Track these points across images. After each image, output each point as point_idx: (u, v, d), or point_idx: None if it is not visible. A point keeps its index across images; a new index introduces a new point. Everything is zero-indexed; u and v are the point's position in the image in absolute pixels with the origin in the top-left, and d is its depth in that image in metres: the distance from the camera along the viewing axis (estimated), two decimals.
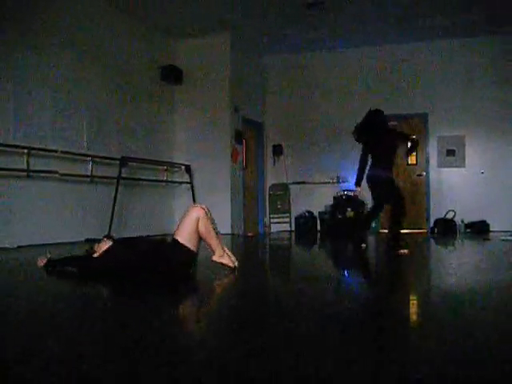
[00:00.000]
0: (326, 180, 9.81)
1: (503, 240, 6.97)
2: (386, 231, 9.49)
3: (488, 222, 8.89)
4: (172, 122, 9.11)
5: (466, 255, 5.09)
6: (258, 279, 3.66)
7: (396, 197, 5.52)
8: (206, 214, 3.72)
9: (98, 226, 7.05)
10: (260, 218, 10.14)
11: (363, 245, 5.67)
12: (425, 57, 9.37)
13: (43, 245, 6.23)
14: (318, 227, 9.57)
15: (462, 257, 5.60)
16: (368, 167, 5.68)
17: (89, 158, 7.06)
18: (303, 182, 10.00)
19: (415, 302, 3.01)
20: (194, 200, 8.67)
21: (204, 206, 3.79)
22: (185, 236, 3.63)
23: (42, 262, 3.86)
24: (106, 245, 3.72)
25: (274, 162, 10.24)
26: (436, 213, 9.04)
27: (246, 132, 9.63)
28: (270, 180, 10.22)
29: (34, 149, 6.19)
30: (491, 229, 8.81)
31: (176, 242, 3.64)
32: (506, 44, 8.91)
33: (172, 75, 8.74)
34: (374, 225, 9.66)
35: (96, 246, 3.76)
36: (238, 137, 9.12)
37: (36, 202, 6.32)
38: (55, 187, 6.59)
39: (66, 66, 6.82)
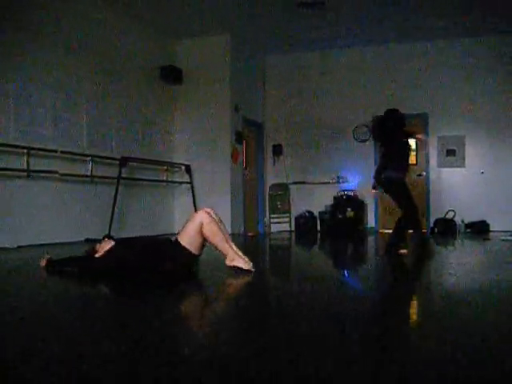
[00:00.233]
0: (326, 180, 9.81)
1: (503, 240, 6.97)
2: (385, 231, 9.49)
3: (488, 221, 8.89)
4: (172, 122, 9.11)
5: (466, 255, 5.09)
6: (259, 279, 3.65)
7: (406, 200, 5.31)
8: (211, 217, 3.67)
9: (98, 226, 7.05)
10: (260, 218, 10.14)
11: (403, 250, 5.26)
12: (425, 57, 9.37)
13: (43, 245, 6.23)
14: (318, 227, 9.58)
15: (462, 257, 5.60)
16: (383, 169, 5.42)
17: (89, 158, 7.06)
18: (303, 182, 10.00)
19: (415, 301, 3.01)
20: (194, 200, 8.68)
21: (209, 210, 3.75)
22: (186, 239, 3.62)
23: (43, 262, 3.87)
24: (108, 245, 3.72)
25: (274, 161, 10.24)
26: (436, 213, 9.04)
27: (246, 132, 9.62)
28: (270, 180, 10.22)
29: (33, 149, 6.19)
30: (491, 229, 8.81)
31: (177, 243, 3.64)
32: (506, 44, 8.91)
33: (172, 75, 8.74)
34: (371, 225, 9.68)
35: (98, 246, 3.76)
36: (238, 137, 9.12)
37: (36, 201, 6.32)
38: (55, 187, 6.59)
39: (65, 66, 6.82)
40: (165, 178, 8.70)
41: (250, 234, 9.26)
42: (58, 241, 6.49)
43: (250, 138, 9.91)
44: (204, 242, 3.70)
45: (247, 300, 2.98)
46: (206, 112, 8.97)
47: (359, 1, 7.53)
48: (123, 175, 7.44)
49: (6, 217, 5.94)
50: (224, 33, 8.80)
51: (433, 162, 9.38)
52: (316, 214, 9.62)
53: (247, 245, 7.31)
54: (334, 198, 9.44)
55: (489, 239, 7.49)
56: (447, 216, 8.86)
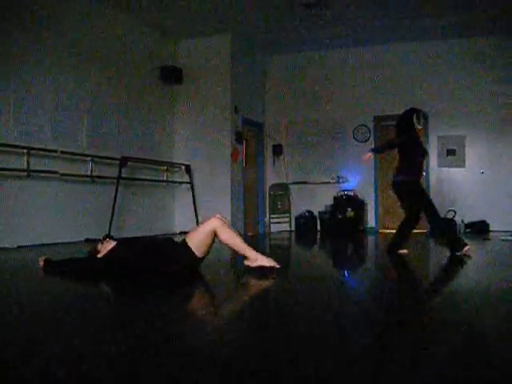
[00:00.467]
0: (326, 180, 9.81)
1: (503, 240, 6.97)
2: (385, 231, 9.49)
3: (488, 221, 8.89)
4: (172, 122, 9.11)
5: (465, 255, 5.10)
6: (259, 279, 3.65)
7: (409, 207, 5.18)
8: (224, 222, 3.68)
9: (98, 226, 7.05)
10: (260, 218, 10.14)
11: (404, 251, 5.15)
12: (425, 57, 9.37)
13: (43, 245, 6.24)
14: (318, 227, 9.58)
15: (462, 257, 5.59)
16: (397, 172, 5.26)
17: (89, 158, 7.06)
18: (303, 182, 10.00)
19: (415, 301, 3.01)
20: (194, 200, 8.68)
21: (220, 216, 3.75)
22: (195, 242, 3.62)
23: (41, 262, 3.86)
24: (110, 245, 3.72)
25: (274, 161, 10.24)
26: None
27: (246, 132, 9.62)
28: (270, 180, 10.21)
29: (33, 149, 6.19)
30: (491, 229, 8.81)
31: (185, 245, 3.63)
32: (506, 44, 8.91)
33: (172, 75, 8.74)
34: (371, 225, 9.68)
35: (99, 246, 3.75)
36: (238, 137, 9.12)
37: (36, 201, 6.32)
38: (55, 187, 6.59)
39: (65, 66, 6.82)
40: (165, 178, 8.70)
41: (249, 233, 9.26)
42: (58, 241, 6.49)
43: (250, 137, 9.91)
44: (210, 247, 3.70)
45: (247, 300, 2.98)
46: (206, 112, 8.97)
47: (359, 1, 7.53)
48: (123, 175, 7.44)
49: (6, 217, 5.94)
50: (224, 33, 8.80)
51: (433, 161, 9.38)
52: (316, 214, 9.62)
53: (247, 245, 7.29)
54: (334, 198, 9.44)
55: (489, 239, 7.49)
56: (447, 216, 8.86)
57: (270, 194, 10.10)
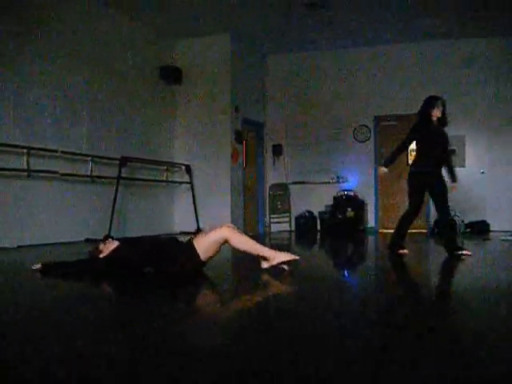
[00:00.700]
0: (326, 180, 9.81)
1: (503, 240, 6.97)
2: (385, 231, 9.49)
3: (488, 221, 8.89)
4: (172, 122, 9.11)
5: (467, 256, 5.09)
6: (259, 279, 3.65)
7: (410, 199, 5.13)
8: (234, 229, 3.67)
9: (98, 225, 7.05)
10: (260, 217, 10.14)
11: (403, 250, 5.12)
12: (425, 57, 9.37)
13: (43, 245, 6.24)
14: (318, 227, 9.58)
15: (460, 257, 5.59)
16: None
17: (89, 158, 7.06)
18: (303, 182, 10.00)
19: (415, 301, 3.01)
20: (194, 200, 8.68)
21: (231, 225, 3.75)
22: (204, 245, 3.59)
23: (38, 266, 3.75)
24: (113, 245, 3.72)
25: (274, 161, 10.24)
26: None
27: (246, 132, 9.62)
28: (270, 180, 10.21)
29: (33, 149, 6.19)
30: (491, 229, 8.81)
31: (191, 245, 3.61)
32: (506, 45, 8.91)
33: (172, 75, 8.74)
34: (371, 225, 9.68)
35: (101, 246, 3.75)
36: (238, 137, 9.12)
37: (36, 201, 6.32)
38: (55, 187, 6.59)
39: (65, 66, 6.82)
40: (165, 178, 8.70)
41: (249, 233, 9.26)
42: (58, 241, 6.50)
43: (249, 137, 9.91)
44: (216, 254, 3.69)
45: (247, 300, 2.98)
46: (206, 112, 8.97)
47: (359, 1, 7.53)
48: (123, 175, 7.44)
49: (6, 217, 5.94)
50: (224, 33, 8.80)
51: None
52: (316, 214, 9.62)
53: None
54: (334, 198, 9.44)
55: (489, 239, 7.49)
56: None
57: (270, 194, 10.10)
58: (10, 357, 1.77)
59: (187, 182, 8.79)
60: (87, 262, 3.77)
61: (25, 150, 6.09)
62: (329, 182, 9.77)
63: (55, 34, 6.68)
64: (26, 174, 6.14)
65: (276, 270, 3.66)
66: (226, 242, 3.61)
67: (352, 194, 9.41)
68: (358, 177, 9.69)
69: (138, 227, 7.83)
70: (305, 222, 9.56)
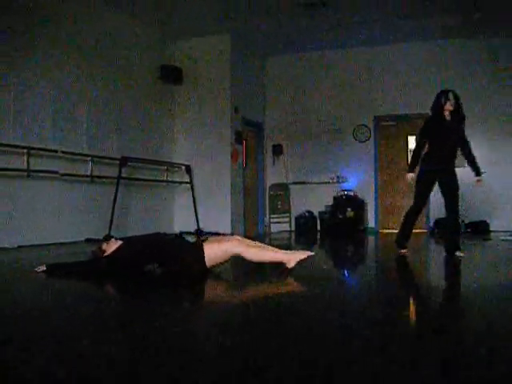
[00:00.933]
0: (326, 180, 9.81)
1: (503, 240, 6.97)
2: (385, 231, 9.49)
3: (488, 221, 8.89)
4: (172, 122, 9.11)
5: (467, 255, 5.09)
6: (259, 279, 3.66)
7: (416, 194, 5.10)
8: (244, 243, 3.64)
9: (98, 226, 7.05)
10: (260, 218, 10.14)
11: (404, 250, 5.12)
12: (425, 57, 9.37)
13: (43, 245, 6.24)
14: (318, 227, 9.58)
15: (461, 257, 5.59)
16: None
17: (89, 158, 7.06)
18: (303, 182, 10.00)
19: (416, 301, 3.01)
20: (194, 200, 8.67)
21: (239, 238, 3.74)
22: (212, 254, 3.56)
23: (40, 268, 3.72)
24: (115, 244, 3.72)
25: (274, 161, 10.24)
26: (436, 213, 9.03)
27: (246, 132, 9.62)
28: (270, 180, 10.22)
29: (33, 149, 6.19)
30: (491, 229, 8.81)
31: (201, 249, 3.58)
32: (506, 45, 8.91)
33: (172, 75, 8.74)
34: (371, 225, 9.67)
35: (104, 246, 3.75)
36: (238, 137, 9.12)
37: (36, 201, 6.32)
38: (55, 187, 6.60)
39: (65, 66, 6.82)
40: (165, 178, 8.70)
41: (250, 234, 9.25)
42: (58, 241, 6.50)
43: (249, 137, 9.91)
44: (221, 264, 3.68)
45: (249, 300, 2.98)
46: (206, 112, 8.97)
47: (359, 1, 7.53)
48: (123, 175, 7.44)
49: (6, 217, 5.94)
50: (224, 33, 8.80)
51: None
52: (316, 214, 9.62)
53: None
54: (334, 198, 9.44)
55: (489, 239, 7.49)
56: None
57: (270, 194, 10.10)
58: (10, 357, 1.77)
59: (187, 182, 8.79)
60: (90, 262, 3.77)
61: (25, 150, 6.09)
62: (329, 182, 9.77)
63: (56, 34, 6.68)
64: (25, 173, 6.13)
65: (277, 271, 3.66)
66: (237, 255, 3.58)
67: (352, 194, 9.41)
68: (358, 177, 9.69)
69: (138, 227, 7.82)
70: (305, 222, 9.56)
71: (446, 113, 5.00)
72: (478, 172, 5.13)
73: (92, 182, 7.17)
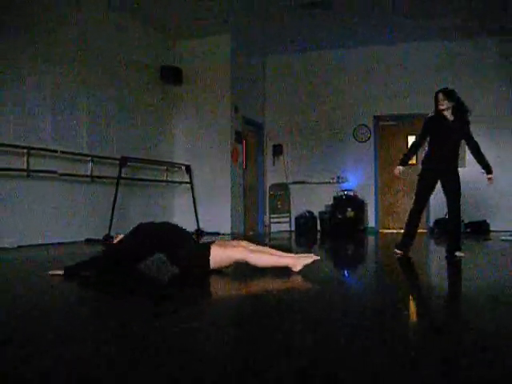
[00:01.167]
0: (326, 180, 9.81)
1: (503, 240, 6.97)
2: (385, 231, 9.49)
3: (488, 221, 8.89)
4: (172, 122, 9.11)
5: (467, 255, 5.09)
6: (259, 279, 3.65)
7: (417, 193, 5.10)
8: (250, 249, 3.64)
9: (98, 226, 7.05)
10: (260, 217, 10.14)
11: (399, 251, 5.11)
12: (425, 57, 9.37)
13: (43, 245, 6.24)
14: (318, 227, 9.58)
15: (461, 257, 5.59)
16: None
17: (89, 158, 7.06)
18: (303, 182, 10.00)
19: (416, 301, 3.01)
20: (194, 200, 8.67)
21: (245, 244, 3.74)
22: (218, 257, 3.57)
23: (56, 272, 3.61)
24: (119, 236, 3.79)
25: (274, 161, 10.24)
26: (436, 213, 9.04)
27: (246, 132, 9.63)
28: (270, 180, 10.22)
29: (33, 149, 6.19)
30: (491, 229, 8.81)
31: (208, 250, 3.58)
32: (506, 45, 8.91)
33: (172, 75, 8.74)
34: (371, 225, 9.67)
35: (114, 240, 3.80)
36: (238, 137, 9.12)
37: (36, 201, 6.32)
38: (55, 187, 6.60)
39: (65, 66, 6.82)
40: (165, 178, 8.71)
41: (250, 233, 9.26)
42: (58, 241, 6.50)
43: (249, 137, 9.91)
44: (226, 268, 3.68)
45: (248, 300, 2.98)
46: (206, 112, 8.97)
47: (359, 1, 7.53)
48: (123, 175, 7.44)
49: (6, 217, 5.94)
50: (224, 33, 8.81)
51: None
52: (316, 214, 9.62)
53: None
54: (334, 198, 9.44)
55: (489, 239, 7.49)
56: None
57: (270, 193, 10.10)
58: (10, 357, 1.77)
59: (187, 182, 8.79)
60: (102, 256, 3.77)
61: (25, 150, 6.09)
62: (329, 182, 9.77)
63: (55, 35, 6.68)
64: (25, 174, 6.13)
65: (277, 270, 3.66)
66: (241, 260, 3.59)
67: (352, 194, 9.41)
68: (358, 177, 9.69)
69: None
70: (305, 222, 9.55)
71: (446, 112, 4.97)
72: (488, 170, 5.13)
73: (92, 182, 7.17)
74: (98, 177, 7.23)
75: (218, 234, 8.46)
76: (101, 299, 3.08)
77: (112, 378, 1.55)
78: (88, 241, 6.84)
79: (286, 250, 4.13)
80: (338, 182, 9.71)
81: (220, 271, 3.69)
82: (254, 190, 10.07)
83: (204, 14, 8.02)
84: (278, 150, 10.17)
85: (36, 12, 6.39)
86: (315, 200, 9.75)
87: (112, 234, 6.83)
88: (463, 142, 5.14)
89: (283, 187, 10.07)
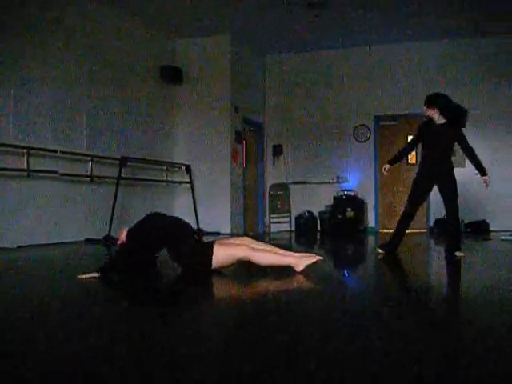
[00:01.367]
0: (326, 180, 9.81)
1: (503, 240, 6.97)
2: (385, 231, 9.49)
3: (488, 221, 8.89)
4: (172, 122, 9.11)
5: (466, 255, 5.09)
6: (259, 280, 3.66)
7: (410, 196, 5.14)
8: (253, 248, 3.62)
9: (98, 226, 7.05)
10: (260, 217, 10.14)
11: (381, 251, 5.18)
12: (426, 57, 9.37)
13: (43, 245, 6.23)
14: (318, 227, 9.58)
15: (460, 257, 5.60)
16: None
17: (89, 158, 7.06)
18: (303, 182, 10.00)
19: (415, 301, 3.01)
20: (194, 200, 8.67)
21: (246, 242, 3.74)
22: (220, 257, 3.55)
23: (93, 274, 3.51)
24: (124, 232, 3.81)
25: (274, 161, 10.24)
26: (436, 213, 9.04)
27: (246, 132, 9.62)
28: (270, 180, 10.22)
29: (33, 149, 6.19)
30: (491, 229, 8.81)
31: (211, 249, 3.57)
32: (506, 45, 8.91)
33: (172, 75, 8.74)
34: (371, 225, 9.67)
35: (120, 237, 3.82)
36: (238, 137, 9.12)
37: (36, 201, 6.32)
38: (55, 187, 6.59)
39: (66, 66, 6.82)
40: (165, 178, 8.71)
41: (250, 233, 9.26)
42: (58, 241, 6.50)
43: (249, 137, 9.91)
44: (228, 267, 3.67)
45: (250, 300, 2.98)
46: (206, 112, 8.97)
47: (359, 1, 7.53)
48: (123, 175, 7.44)
49: (6, 217, 5.94)
50: (224, 33, 8.80)
51: None
52: (316, 214, 9.62)
53: None
54: (334, 198, 9.44)
55: (489, 239, 7.49)
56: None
57: (270, 194, 10.10)
58: (10, 357, 1.77)
59: (187, 182, 8.79)
60: (121, 251, 3.76)
61: (25, 150, 6.09)
62: (329, 182, 9.77)
63: (55, 34, 6.68)
64: (25, 174, 6.13)
65: (279, 270, 3.66)
66: (244, 259, 3.58)
67: (352, 193, 9.41)
68: (358, 177, 9.69)
69: None
70: (305, 222, 9.55)
71: (434, 116, 5.02)
72: (482, 172, 5.15)
73: (92, 182, 7.17)
74: (98, 177, 7.23)
75: (218, 233, 8.46)
76: (100, 298, 3.08)
77: (114, 378, 1.55)
78: (88, 241, 6.84)
79: (287, 249, 4.12)
80: (338, 182, 9.71)
81: (221, 271, 3.69)
82: (254, 190, 10.07)
83: (204, 14, 8.02)
84: (278, 150, 10.16)
85: (36, 12, 6.38)
86: (315, 200, 9.75)
87: (112, 234, 6.84)
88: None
89: (283, 187, 10.07)
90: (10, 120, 6.02)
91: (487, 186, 5.17)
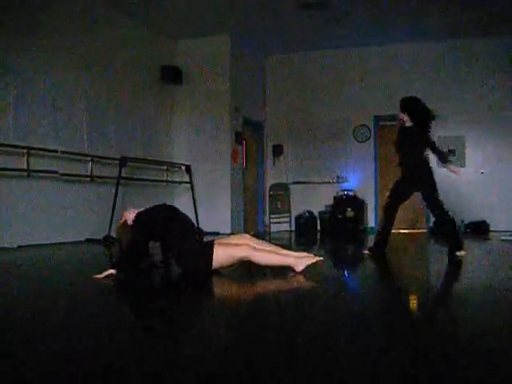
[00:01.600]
0: (326, 180, 9.81)
1: (503, 240, 6.97)
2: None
3: (488, 221, 8.89)
4: (172, 122, 9.11)
5: (467, 255, 5.09)
6: (259, 280, 3.66)
7: (390, 195, 5.28)
8: (254, 247, 3.61)
9: (98, 226, 7.04)
10: (260, 217, 10.14)
11: (366, 251, 5.25)
12: (425, 57, 9.37)
13: (43, 245, 6.23)
14: (318, 227, 9.58)
15: (461, 257, 5.60)
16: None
17: (89, 158, 7.06)
18: (303, 182, 10.00)
19: (416, 301, 3.01)
20: (194, 200, 8.67)
21: (248, 240, 3.73)
22: (220, 258, 3.54)
23: (105, 272, 3.47)
24: (129, 214, 3.78)
25: (274, 161, 10.24)
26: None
27: (246, 132, 9.63)
28: (270, 180, 10.22)
29: (33, 149, 6.19)
30: (491, 229, 8.81)
31: (211, 250, 3.56)
32: (506, 45, 8.91)
33: (172, 75, 8.74)
34: (371, 225, 9.67)
35: (124, 218, 3.80)
36: (238, 137, 9.12)
37: (36, 201, 6.32)
38: (55, 187, 6.59)
39: (65, 66, 6.82)
40: (165, 178, 8.71)
41: (251, 232, 9.26)
42: (58, 241, 6.49)
43: (249, 138, 9.91)
44: (228, 267, 3.66)
45: (250, 301, 2.98)
46: (206, 112, 8.97)
47: (359, 1, 7.53)
48: (123, 175, 7.44)
49: (6, 217, 5.94)
50: (224, 33, 8.80)
51: (433, 161, 9.36)
52: (316, 213, 9.62)
53: None
54: (334, 197, 9.44)
55: (489, 239, 7.48)
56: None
57: (270, 194, 10.09)
58: (10, 357, 1.77)
59: (187, 182, 8.79)
60: (133, 242, 3.70)
61: (25, 150, 6.09)
62: (329, 182, 9.77)
63: (55, 34, 6.68)
64: (25, 174, 6.13)
65: (279, 270, 3.66)
66: (244, 259, 3.58)
67: (352, 193, 9.41)
68: (358, 177, 9.69)
69: None
70: (305, 222, 9.55)
71: (406, 119, 5.10)
72: (442, 159, 5.32)
73: (92, 182, 7.17)
74: (98, 177, 7.23)
75: (217, 233, 8.46)
76: (100, 299, 3.08)
77: (114, 378, 1.55)
78: (88, 241, 6.84)
79: (286, 249, 4.12)
80: (338, 182, 9.71)
81: (221, 271, 3.69)
82: (254, 190, 10.07)
83: (204, 14, 8.02)
84: (277, 150, 10.17)
85: (36, 12, 6.38)
86: (315, 200, 9.75)
87: (112, 234, 6.84)
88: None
89: (283, 187, 10.07)
90: (9, 120, 6.02)
91: (456, 173, 5.27)
